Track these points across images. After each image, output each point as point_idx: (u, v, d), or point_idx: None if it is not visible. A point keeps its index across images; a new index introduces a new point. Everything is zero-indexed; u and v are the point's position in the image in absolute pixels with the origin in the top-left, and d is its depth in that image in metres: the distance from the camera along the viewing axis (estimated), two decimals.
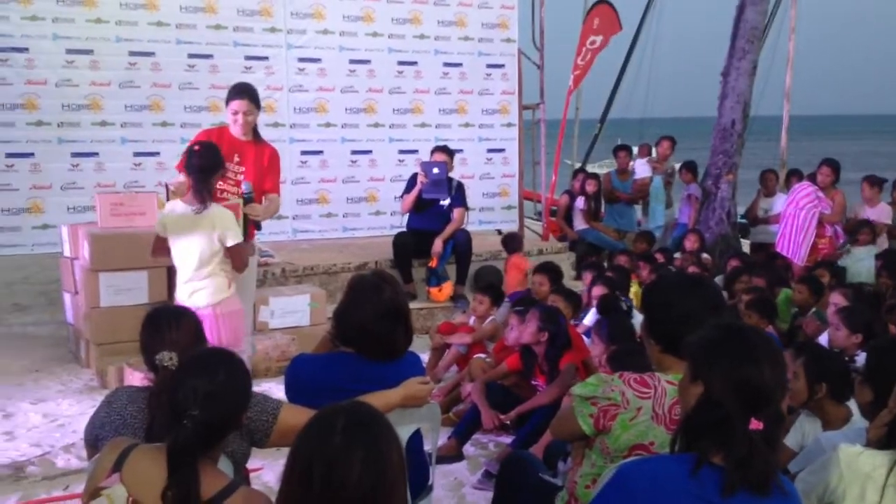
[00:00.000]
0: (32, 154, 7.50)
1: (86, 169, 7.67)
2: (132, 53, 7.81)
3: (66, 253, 6.70)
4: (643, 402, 2.68)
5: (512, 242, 8.52)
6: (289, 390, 3.12)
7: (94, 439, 2.76)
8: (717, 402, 2.11)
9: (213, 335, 4.53)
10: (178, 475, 2.13)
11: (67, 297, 6.82)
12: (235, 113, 5.27)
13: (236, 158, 5.29)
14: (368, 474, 1.82)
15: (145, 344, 2.92)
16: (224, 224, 4.61)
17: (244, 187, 5.20)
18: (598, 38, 10.25)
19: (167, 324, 2.97)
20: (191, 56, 8.05)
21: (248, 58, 8.33)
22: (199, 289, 4.64)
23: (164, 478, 2.14)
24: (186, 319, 3.02)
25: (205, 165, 4.59)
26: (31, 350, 6.88)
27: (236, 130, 5.33)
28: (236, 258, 4.69)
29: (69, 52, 7.56)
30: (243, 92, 5.32)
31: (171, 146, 7.66)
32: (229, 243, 4.61)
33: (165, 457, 2.18)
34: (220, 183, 5.12)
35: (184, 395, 2.25)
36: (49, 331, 7.47)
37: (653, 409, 2.67)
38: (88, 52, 7.63)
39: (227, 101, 5.34)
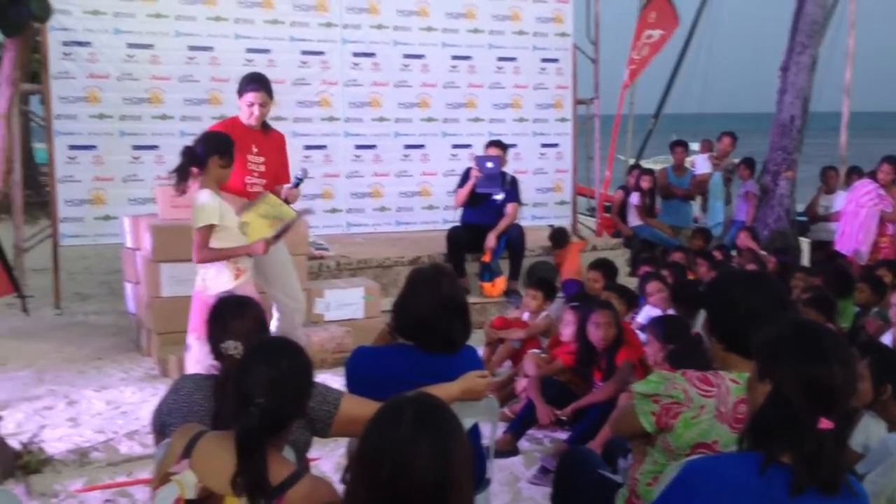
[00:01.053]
0: (95, 147, 7.66)
1: (146, 161, 7.81)
2: (191, 48, 7.94)
3: (128, 244, 6.84)
4: (706, 400, 2.66)
5: (560, 238, 8.49)
6: (349, 381, 3.14)
7: (162, 426, 2.81)
8: (785, 400, 2.08)
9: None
10: (247, 462, 2.16)
11: (129, 287, 6.96)
12: (251, 104, 5.28)
13: (254, 149, 5.31)
14: (436, 464, 1.84)
15: (211, 333, 2.98)
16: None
17: (299, 172, 5.44)
18: (656, 33, 10.12)
19: (231, 313, 3.01)
20: (248, 51, 8.15)
21: (304, 52, 8.42)
22: (200, 276, 4.71)
23: (233, 464, 2.17)
24: (250, 308, 3.05)
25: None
26: (94, 338, 7.04)
27: (251, 121, 5.32)
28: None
29: (130, 46, 7.70)
30: (259, 83, 5.31)
31: None
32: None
33: (233, 444, 2.21)
34: (248, 177, 5.23)
35: (249, 383, 2.29)
36: (110, 320, 7.64)
37: (716, 407, 2.65)
38: (149, 46, 7.77)
39: (242, 91, 5.31)
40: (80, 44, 7.54)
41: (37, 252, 8.17)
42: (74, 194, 7.62)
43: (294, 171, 5.63)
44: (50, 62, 7.44)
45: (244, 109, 5.31)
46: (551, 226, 9.50)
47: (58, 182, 7.58)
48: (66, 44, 7.49)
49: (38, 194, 14.46)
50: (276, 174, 5.47)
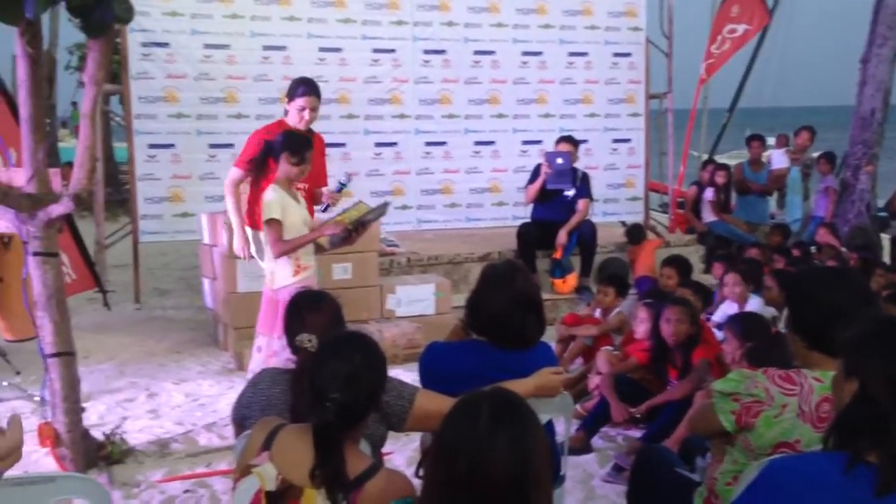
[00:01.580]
0: (173, 145, 7.84)
1: (222, 160, 7.93)
2: (265, 48, 8.06)
3: (206, 240, 6.99)
4: (788, 399, 2.60)
5: (636, 234, 8.39)
6: (423, 377, 3.15)
7: (241, 419, 2.86)
8: (872, 399, 2.02)
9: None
10: (325, 455, 2.19)
11: (206, 283, 7.11)
12: (303, 109, 5.26)
13: None
14: (515, 459, 1.83)
15: (287, 326, 3.03)
16: None
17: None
18: (741, 27, 9.93)
19: (307, 307, 3.06)
20: (321, 50, 8.24)
21: (376, 50, 8.48)
22: (268, 272, 4.82)
23: (311, 457, 2.20)
24: (326, 303, 3.09)
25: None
26: (172, 332, 7.21)
27: (300, 125, 5.28)
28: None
29: (207, 46, 7.86)
30: (311, 87, 5.32)
31: None
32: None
33: (311, 437, 2.24)
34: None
35: (325, 378, 2.30)
36: (188, 314, 7.82)
37: (799, 406, 2.59)
38: (225, 46, 7.92)
39: (293, 95, 5.28)
40: (159, 45, 7.72)
41: (117, 248, 8.41)
42: (154, 192, 7.81)
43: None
44: (130, 63, 7.65)
45: (294, 113, 5.29)
46: (622, 222, 9.40)
47: (138, 180, 7.78)
48: (145, 45, 7.68)
49: (117, 192, 14.85)
50: (317, 177, 5.45)
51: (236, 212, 5.32)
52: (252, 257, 5.32)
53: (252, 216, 5.19)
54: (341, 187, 5.44)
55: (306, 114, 5.27)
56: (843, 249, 8.30)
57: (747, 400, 2.62)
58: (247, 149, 5.33)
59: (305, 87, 5.29)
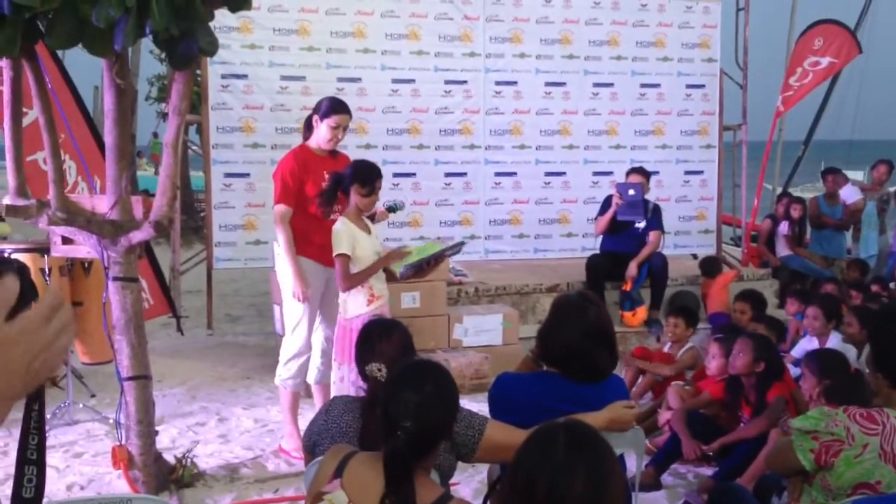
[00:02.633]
0: (248, 174, 7.98)
1: None
2: (340, 79, 8.18)
3: (277, 267, 7.07)
4: (870, 438, 2.53)
5: (711, 266, 8.25)
6: (493, 407, 3.14)
7: (313, 445, 2.89)
8: None
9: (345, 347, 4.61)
10: (395, 484, 2.19)
11: (277, 310, 7.19)
12: (336, 128, 5.09)
13: (326, 175, 5.02)
14: (591, 491, 1.81)
15: (359, 355, 3.06)
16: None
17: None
18: (825, 60, 9.75)
19: (378, 336, 3.09)
20: (394, 81, 8.35)
21: (448, 82, 8.55)
22: (341, 301, 4.78)
23: (381, 486, 2.20)
24: (397, 332, 3.12)
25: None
26: (243, 358, 7.32)
27: (329, 145, 5.14)
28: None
29: (283, 78, 8.02)
30: (345, 106, 5.18)
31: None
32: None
33: (382, 465, 2.24)
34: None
35: (396, 407, 2.31)
36: (258, 340, 7.94)
37: (880, 446, 2.52)
38: (301, 78, 8.07)
39: (326, 114, 5.08)
40: (238, 76, 7.91)
41: (191, 274, 8.59)
42: (228, 220, 7.95)
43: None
44: (210, 94, 7.85)
45: (326, 132, 5.08)
46: (694, 255, 9.26)
47: (213, 208, 7.94)
48: (224, 77, 7.87)
49: (192, 219, 15.22)
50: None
51: (291, 251, 5.05)
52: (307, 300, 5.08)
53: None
54: (392, 208, 5.42)
55: (340, 133, 5.14)
56: None
57: (827, 438, 2.55)
58: (281, 181, 5.08)
59: (339, 105, 5.16)
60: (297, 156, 5.14)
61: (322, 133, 5.12)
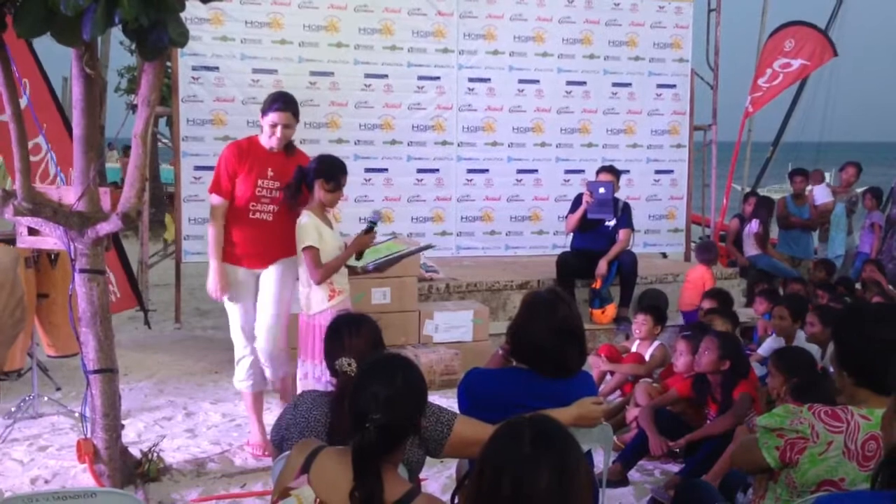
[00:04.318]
0: None
1: None
2: (312, 73, 8.15)
3: None
4: (834, 436, 2.56)
5: (707, 253, 8.26)
6: (461, 402, 3.14)
7: (281, 440, 2.88)
8: None
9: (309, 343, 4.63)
10: (363, 478, 2.18)
11: None
12: (275, 125, 4.80)
13: (270, 173, 4.85)
14: (557, 485, 1.81)
15: (327, 350, 3.05)
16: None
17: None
18: (796, 62, 9.84)
19: (347, 330, 3.08)
20: (367, 76, 8.32)
21: (421, 78, 8.54)
22: (302, 297, 4.76)
23: (349, 480, 2.19)
24: (366, 327, 3.11)
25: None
26: (211, 352, 7.26)
27: (272, 143, 4.86)
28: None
29: (255, 71, 7.96)
30: (286, 103, 4.85)
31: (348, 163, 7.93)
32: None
33: (350, 460, 2.24)
34: (253, 203, 4.83)
35: (365, 400, 2.30)
36: (226, 335, 7.78)
37: (844, 443, 2.55)
38: (273, 71, 8.02)
39: (266, 111, 4.84)
40: (209, 68, 7.84)
41: (159, 267, 8.52)
42: (198, 213, 7.88)
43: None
44: (180, 86, 7.78)
45: (266, 130, 4.85)
46: (663, 254, 9.32)
47: (183, 201, 7.88)
48: (195, 68, 7.80)
49: (160, 212, 15.09)
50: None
51: (217, 246, 4.87)
52: (224, 296, 4.97)
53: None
54: (371, 226, 4.83)
55: (278, 130, 4.81)
56: (889, 287, 8.15)
57: (792, 436, 2.58)
58: (216, 170, 4.93)
59: (280, 103, 4.83)
60: (240, 147, 4.94)
61: (263, 130, 4.91)
